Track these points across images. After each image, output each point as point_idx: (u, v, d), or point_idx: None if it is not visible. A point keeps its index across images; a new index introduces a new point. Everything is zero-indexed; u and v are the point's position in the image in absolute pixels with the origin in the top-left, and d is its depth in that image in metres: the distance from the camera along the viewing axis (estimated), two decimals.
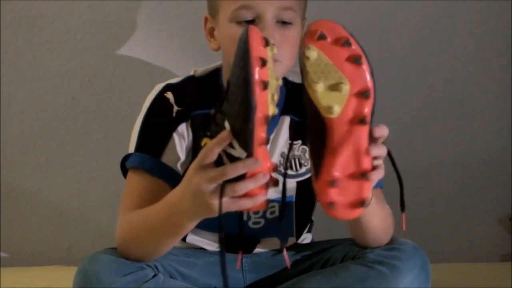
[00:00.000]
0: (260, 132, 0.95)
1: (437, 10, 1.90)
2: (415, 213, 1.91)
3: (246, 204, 0.99)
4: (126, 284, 1.13)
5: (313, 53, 0.96)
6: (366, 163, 0.99)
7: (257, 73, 0.92)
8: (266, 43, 0.95)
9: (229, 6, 1.17)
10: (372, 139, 1.00)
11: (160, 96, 1.25)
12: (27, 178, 1.86)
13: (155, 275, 1.16)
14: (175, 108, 1.24)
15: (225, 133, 0.98)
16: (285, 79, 1.28)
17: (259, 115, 0.94)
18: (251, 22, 1.15)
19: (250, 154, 0.96)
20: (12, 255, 1.85)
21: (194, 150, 1.25)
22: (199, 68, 1.31)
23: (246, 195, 0.98)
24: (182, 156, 1.24)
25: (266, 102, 0.95)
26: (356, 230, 1.21)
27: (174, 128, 1.23)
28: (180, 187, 1.06)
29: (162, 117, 1.24)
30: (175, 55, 1.84)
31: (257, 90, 0.92)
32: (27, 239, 1.87)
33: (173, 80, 1.29)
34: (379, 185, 1.25)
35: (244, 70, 0.93)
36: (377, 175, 1.01)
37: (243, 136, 0.96)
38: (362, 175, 0.99)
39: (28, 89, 1.83)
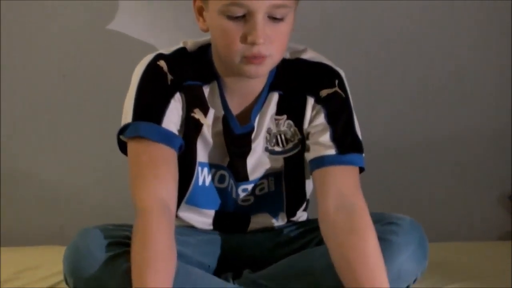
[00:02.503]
0: None
1: None
2: (414, 191, 1.93)
3: None
4: (115, 257, 1.14)
5: None
6: None
7: None
8: None
9: None
10: None
11: (153, 64, 1.23)
12: (18, 158, 1.86)
13: None
14: (169, 76, 1.23)
15: None
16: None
17: None
18: (242, 17, 1.14)
19: None
20: (5, 235, 1.85)
21: (187, 120, 1.25)
22: (188, 40, 1.30)
23: None
24: (178, 123, 1.24)
25: None
26: None
27: (171, 94, 1.23)
28: None
29: (157, 84, 1.23)
30: (167, 28, 1.83)
31: None
32: (19, 219, 1.88)
33: (164, 51, 1.27)
34: (356, 162, 1.25)
35: None
36: None
37: None
38: None
39: (17, 68, 1.82)
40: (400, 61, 1.92)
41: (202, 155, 1.29)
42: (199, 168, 1.29)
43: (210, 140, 1.28)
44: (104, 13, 1.83)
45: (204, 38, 1.29)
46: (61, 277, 1.23)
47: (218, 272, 1.31)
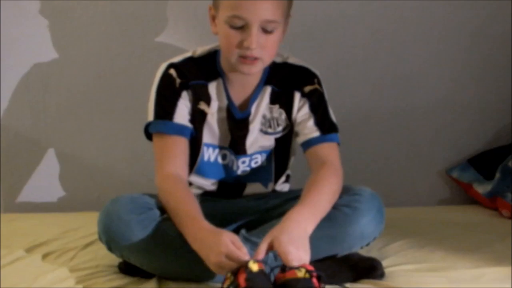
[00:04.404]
0: None
1: None
2: (373, 166, 1.93)
3: None
4: (141, 220, 1.16)
5: None
6: None
7: None
8: None
9: (226, 11, 1.18)
10: None
11: (165, 74, 1.28)
12: (65, 141, 1.85)
13: (162, 214, 1.19)
14: (178, 80, 1.27)
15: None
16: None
17: None
18: (241, 27, 1.17)
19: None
20: (53, 203, 1.85)
21: (194, 111, 1.29)
22: (198, 48, 1.32)
23: None
24: (187, 114, 1.28)
25: None
26: None
27: (179, 95, 1.27)
28: (205, 239, 1.08)
29: (168, 90, 1.27)
30: (181, 36, 1.81)
31: None
32: (66, 189, 1.87)
33: (175, 59, 1.30)
34: (334, 139, 1.30)
35: None
36: None
37: None
38: None
39: (62, 70, 1.81)
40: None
41: (207, 137, 1.32)
42: (205, 148, 1.32)
43: (214, 125, 1.31)
44: (130, 28, 1.81)
45: (213, 45, 1.32)
46: (97, 236, 1.23)
47: None
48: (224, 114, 1.30)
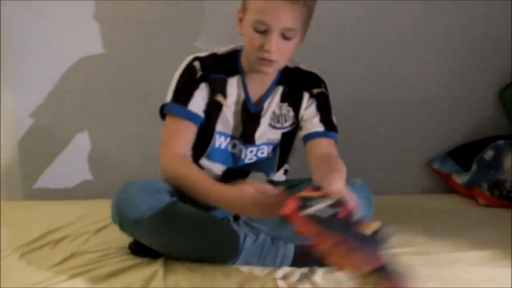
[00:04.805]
0: None
1: None
2: (361, 158, 1.92)
3: None
4: (150, 202, 1.18)
5: None
6: None
7: None
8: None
9: (252, 15, 1.22)
10: None
11: (190, 64, 1.31)
12: (80, 133, 1.85)
13: (172, 197, 1.21)
14: (199, 73, 1.30)
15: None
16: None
17: None
18: (263, 32, 1.21)
19: None
20: (67, 191, 1.85)
21: (211, 102, 1.32)
22: (222, 47, 1.36)
23: None
24: (203, 105, 1.31)
25: None
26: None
27: (197, 86, 1.30)
28: (237, 195, 1.10)
29: (189, 79, 1.30)
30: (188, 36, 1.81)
31: None
32: (80, 178, 1.87)
33: (201, 54, 1.33)
34: (334, 138, 1.33)
35: None
36: None
37: None
38: None
39: (77, 69, 1.80)
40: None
41: (220, 126, 1.35)
42: (217, 135, 1.35)
43: (229, 117, 1.34)
44: (141, 35, 1.81)
45: (236, 44, 1.35)
46: (110, 220, 1.25)
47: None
48: (239, 107, 1.34)
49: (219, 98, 1.32)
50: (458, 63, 1.97)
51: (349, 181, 1.23)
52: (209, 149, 1.35)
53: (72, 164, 1.85)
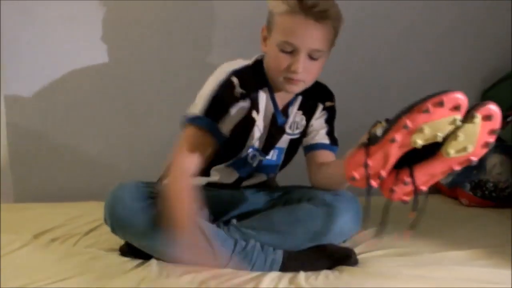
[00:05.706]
0: None
1: None
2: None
3: None
4: (143, 207, 1.18)
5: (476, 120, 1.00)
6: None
7: None
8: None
9: (279, 35, 1.19)
10: None
11: (228, 80, 1.24)
12: (70, 136, 1.84)
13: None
14: (239, 90, 1.25)
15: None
16: None
17: None
18: (290, 52, 1.18)
19: None
20: (60, 192, 1.85)
21: (246, 118, 1.28)
22: (245, 58, 1.31)
23: None
24: (234, 122, 1.26)
25: None
26: (323, 186, 1.29)
27: (235, 103, 1.24)
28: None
29: (226, 96, 1.24)
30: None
31: None
32: (70, 180, 1.87)
33: (236, 66, 1.27)
34: (335, 152, 1.35)
35: None
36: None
37: None
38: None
39: (67, 72, 1.79)
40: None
41: (251, 141, 1.32)
42: (250, 150, 1.33)
43: (257, 130, 1.32)
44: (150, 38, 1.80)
45: (258, 55, 1.31)
46: (101, 222, 1.25)
47: (214, 221, 1.32)
48: (268, 121, 1.32)
49: (254, 114, 1.29)
50: (449, 58, 1.99)
51: (339, 193, 1.26)
52: (233, 160, 1.34)
53: (63, 166, 1.85)
